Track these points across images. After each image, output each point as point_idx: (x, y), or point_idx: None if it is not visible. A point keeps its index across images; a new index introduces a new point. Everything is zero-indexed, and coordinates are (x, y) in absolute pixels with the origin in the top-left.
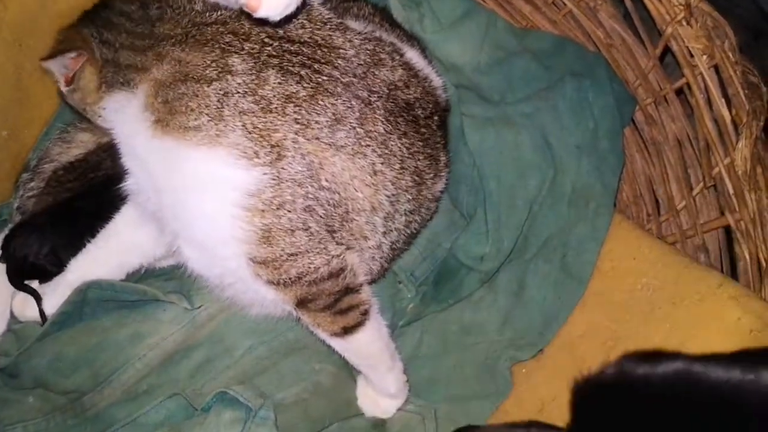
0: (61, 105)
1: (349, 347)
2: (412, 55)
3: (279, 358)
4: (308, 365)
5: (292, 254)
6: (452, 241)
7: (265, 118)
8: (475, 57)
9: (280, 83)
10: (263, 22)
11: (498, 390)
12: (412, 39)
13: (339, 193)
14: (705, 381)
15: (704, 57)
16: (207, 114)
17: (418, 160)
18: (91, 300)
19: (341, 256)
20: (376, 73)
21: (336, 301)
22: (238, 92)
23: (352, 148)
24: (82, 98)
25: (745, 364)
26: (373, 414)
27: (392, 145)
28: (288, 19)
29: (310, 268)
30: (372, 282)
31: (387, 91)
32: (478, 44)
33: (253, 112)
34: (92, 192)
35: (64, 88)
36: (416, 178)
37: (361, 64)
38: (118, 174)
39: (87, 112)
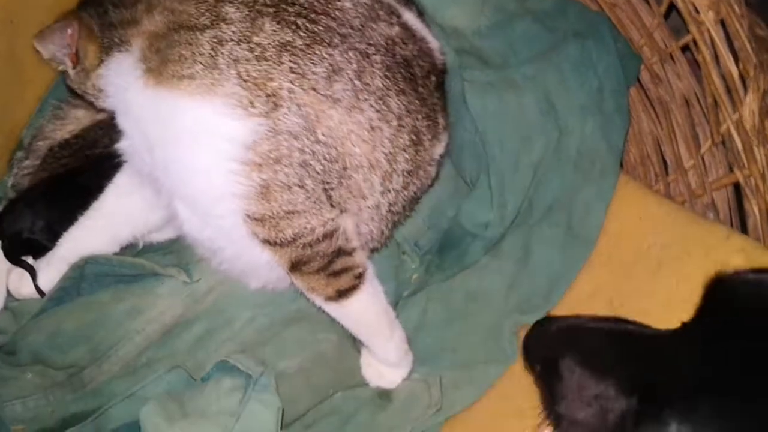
0: (55, 82)
1: (344, 312)
2: (409, 17)
3: (280, 329)
4: (311, 335)
5: (289, 212)
6: (456, 208)
7: (260, 66)
8: (476, 20)
9: (275, 31)
10: None
11: (504, 355)
12: (410, 2)
13: (336, 148)
14: None
15: (710, 12)
16: (201, 62)
17: (416, 119)
18: (88, 275)
19: (335, 219)
20: (374, 26)
21: (329, 263)
22: (233, 40)
23: (349, 102)
24: (88, 77)
25: None
26: (378, 384)
27: (390, 101)
28: None
29: (306, 228)
30: (374, 250)
31: (385, 46)
32: (478, 7)
33: (248, 60)
34: (88, 167)
35: (72, 71)
36: (414, 137)
37: (358, 17)
38: (114, 150)
39: (90, 93)
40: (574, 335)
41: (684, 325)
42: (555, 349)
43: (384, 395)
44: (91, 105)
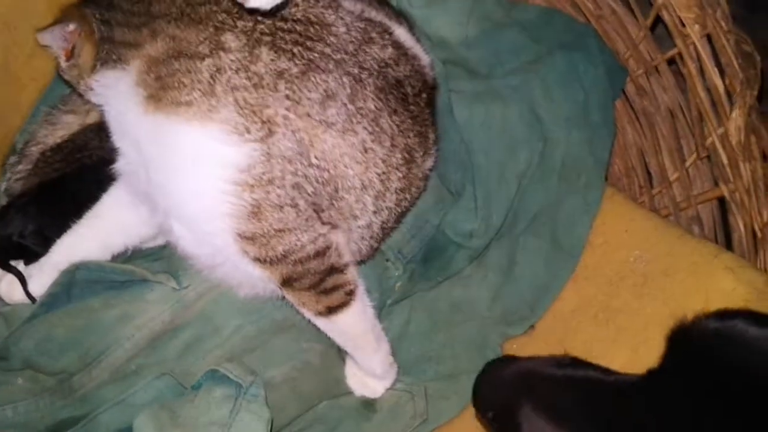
0: (47, 88)
1: (333, 327)
2: (401, 33)
3: (267, 337)
4: (297, 344)
5: (279, 230)
6: (440, 217)
7: (257, 94)
8: (463, 30)
9: (272, 60)
10: (255, 11)
11: None
12: (400, 17)
13: (329, 171)
14: None
15: (696, 26)
16: (199, 89)
17: (408, 137)
18: (79, 281)
19: (327, 235)
20: (367, 50)
21: (321, 280)
22: (231, 68)
23: (343, 125)
24: (79, 74)
25: None
26: (362, 393)
27: (383, 122)
28: (279, 8)
29: (296, 245)
30: (361, 262)
31: (378, 69)
32: (465, 17)
33: (245, 88)
34: (80, 173)
35: (64, 63)
36: (406, 155)
37: (352, 42)
38: (105, 154)
39: (80, 87)
40: (531, 382)
41: (648, 373)
42: (512, 396)
43: (369, 405)
44: (85, 110)
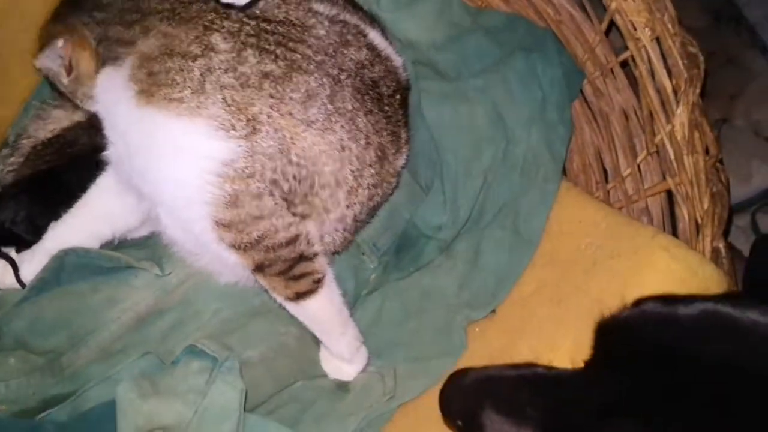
0: (39, 84)
1: (302, 312)
2: (374, 35)
3: (245, 321)
4: (273, 327)
5: (255, 218)
6: (412, 212)
7: (243, 92)
8: (431, 34)
9: (258, 62)
10: (230, 6)
11: (454, 349)
12: (373, 20)
13: (307, 168)
14: (733, 320)
15: (646, 29)
16: (190, 87)
17: (382, 136)
18: (68, 266)
19: (298, 225)
20: (345, 52)
21: (290, 267)
22: (221, 68)
23: (323, 124)
24: (81, 84)
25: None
26: (336, 377)
27: (359, 121)
28: (251, 4)
29: (270, 232)
30: (335, 253)
31: (355, 70)
32: (433, 22)
33: (233, 87)
34: (71, 165)
35: (66, 80)
36: (379, 153)
37: (331, 43)
38: (95, 149)
39: (79, 98)
40: (489, 385)
41: (584, 365)
42: (473, 401)
43: (342, 386)
44: (74, 106)
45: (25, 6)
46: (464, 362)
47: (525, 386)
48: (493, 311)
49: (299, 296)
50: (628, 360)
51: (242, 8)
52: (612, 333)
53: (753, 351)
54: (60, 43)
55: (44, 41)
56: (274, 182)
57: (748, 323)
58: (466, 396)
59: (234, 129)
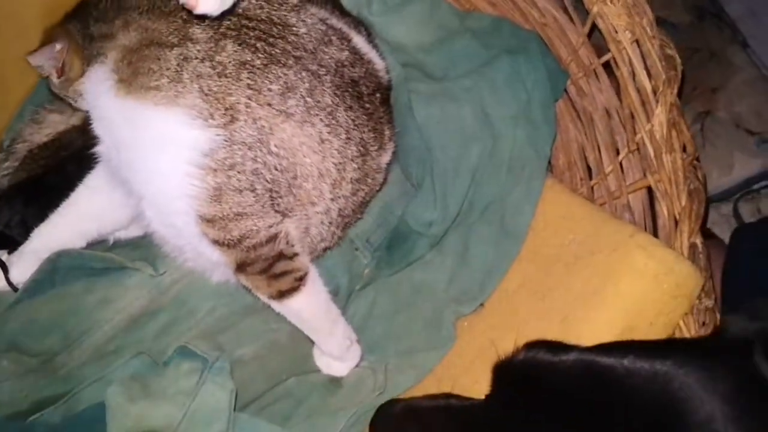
0: (34, 89)
1: (287, 310)
2: (358, 40)
3: (238, 319)
4: (266, 325)
5: (238, 214)
6: (403, 208)
7: (221, 81)
8: (420, 37)
9: (235, 51)
10: (204, 17)
11: (443, 342)
12: (359, 26)
13: (287, 158)
14: (601, 368)
15: (627, 32)
16: (167, 76)
17: (363, 132)
18: (61, 268)
19: (278, 224)
20: (326, 50)
21: (270, 266)
22: (197, 57)
23: (302, 116)
24: (71, 85)
25: (638, 352)
26: (328, 373)
27: (339, 116)
28: (226, 14)
29: (252, 230)
30: (327, 249)
31: (335, 67)
32: (422, 25)
33: (210, 76)
34: (63, 168)
35: (56, 80)
36: (361, 148)
37: (312, 41)
38: (88, 152)
39: (71, 97)
40: (414, 415)
41: (486, 398)
42: (400, 430)
43: (335, 381)
44: (69, 106)
45: (21, 12)
46: (452, 356)
47: (444, 415)
48: (482, 305)
49: (282, 294)
50: (521, 398)
51: (218, 18)
52: (507, 374)
53: (625, 395)
54: (57, 46)
55: (45, 41)
56: (256, 172)
57: (622, 371)
58: (395, 424)
59: (212, 118)
